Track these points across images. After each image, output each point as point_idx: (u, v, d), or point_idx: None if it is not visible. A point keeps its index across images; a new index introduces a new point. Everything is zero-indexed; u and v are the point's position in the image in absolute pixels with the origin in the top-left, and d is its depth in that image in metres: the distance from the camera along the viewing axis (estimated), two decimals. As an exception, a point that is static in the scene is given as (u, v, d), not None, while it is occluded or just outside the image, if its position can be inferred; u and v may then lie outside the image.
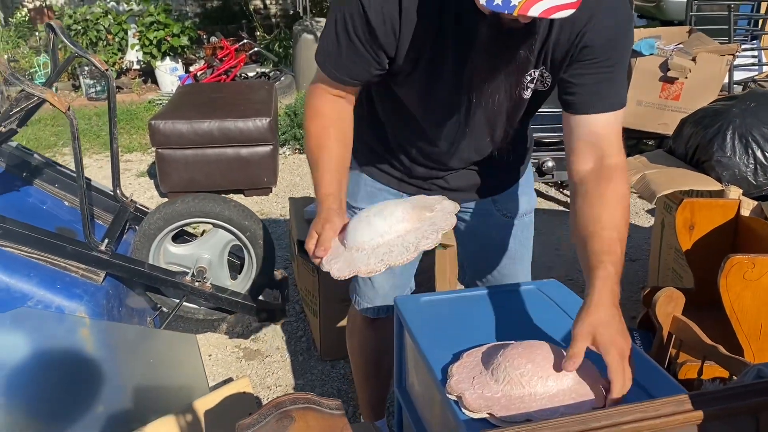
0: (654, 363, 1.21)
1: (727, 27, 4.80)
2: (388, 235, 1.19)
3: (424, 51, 1.26)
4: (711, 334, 1.46)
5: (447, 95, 1.33)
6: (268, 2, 8.88)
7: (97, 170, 4.61)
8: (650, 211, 3.83)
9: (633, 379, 1.09)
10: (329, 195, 1.32)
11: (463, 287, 1.85)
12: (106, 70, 2.05)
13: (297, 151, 5.12)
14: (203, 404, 1.85)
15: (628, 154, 2.95)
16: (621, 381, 1.02)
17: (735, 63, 4.30)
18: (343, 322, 2.43)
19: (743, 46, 4.76)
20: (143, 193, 4.32)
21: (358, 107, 1.46)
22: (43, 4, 8.27)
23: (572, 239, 1.25)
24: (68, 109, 1.67)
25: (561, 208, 4.04)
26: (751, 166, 2.43)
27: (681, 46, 4.16)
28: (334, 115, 1.37)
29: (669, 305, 1.60)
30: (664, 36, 4.27)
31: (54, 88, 1.81)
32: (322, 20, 6.67)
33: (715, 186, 2.42)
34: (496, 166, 1.52)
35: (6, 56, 7.00)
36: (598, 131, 1.25)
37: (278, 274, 2.51)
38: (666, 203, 2.50)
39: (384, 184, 1.59)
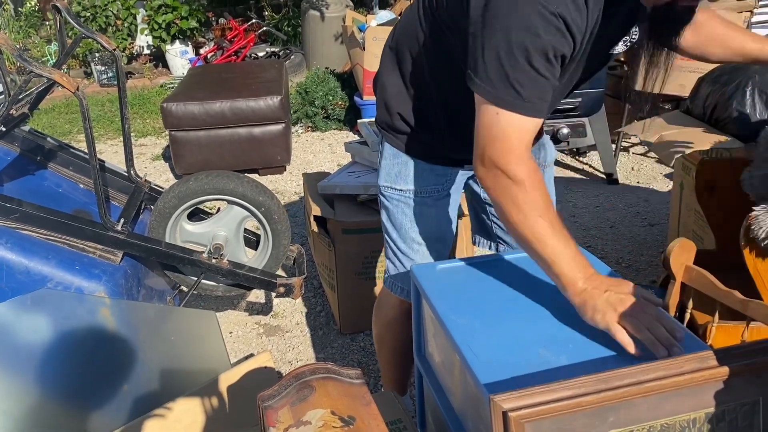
0: (674, 320, 1.19)
1: (744, -16, 4.67)
2: None
3: (581, 45, 1.18)
4: (734, 294, 1.43)
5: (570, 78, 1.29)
6: (275, -19, 8.80)
7: (112, 155, 4.63)
8: (668, 176, 3.77)
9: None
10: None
11: (476, 253, 1.84)
12: (114, 49, 2.04)
13: (309, 129, 5.10)
14: (226, 380, 1.86)
15: (644, 118, 2.91)
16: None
17: (753, 20, 4.19)
18: (361, 295, 2.44)
19: (761, 2, 4.63)
20: (159, 176, 4.34)
21: (421, 88, 1.45)
22: (52, -7, 8.27)
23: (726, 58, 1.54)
24: (77, 89, 1.66)
25: (577, 175, 3.99)
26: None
27: (697, 5, 4.05)
28: (533, 177, 1.16)
29: (682, 256, 1.57)
30: (679, -5, 4.16)
31: (64, 70, 1.80)
32: (330, -3, 6.58)
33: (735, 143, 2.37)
34: None
35: (18, 46, 7.03)
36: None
37: (294, 249, 2.51)
38: (684, 164, 2.46)
39: (432, 163, 1.54)
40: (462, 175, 1.60)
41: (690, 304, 1.61)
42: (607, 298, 1.08)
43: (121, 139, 4.91)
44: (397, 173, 1.56)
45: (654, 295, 1.12)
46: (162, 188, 2.41)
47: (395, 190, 1.58)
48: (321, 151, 4.68)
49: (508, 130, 1.14)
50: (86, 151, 2.18)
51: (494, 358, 1.11)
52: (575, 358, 1.09)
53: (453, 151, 1.52)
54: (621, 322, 1.05)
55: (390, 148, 1.56)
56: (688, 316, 1.62)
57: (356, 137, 4.75)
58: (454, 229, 1.66)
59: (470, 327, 1.21)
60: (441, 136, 1.50)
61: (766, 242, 1.70)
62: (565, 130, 3.57)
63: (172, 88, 6.12)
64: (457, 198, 1.63)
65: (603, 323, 1.07)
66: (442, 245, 1.63)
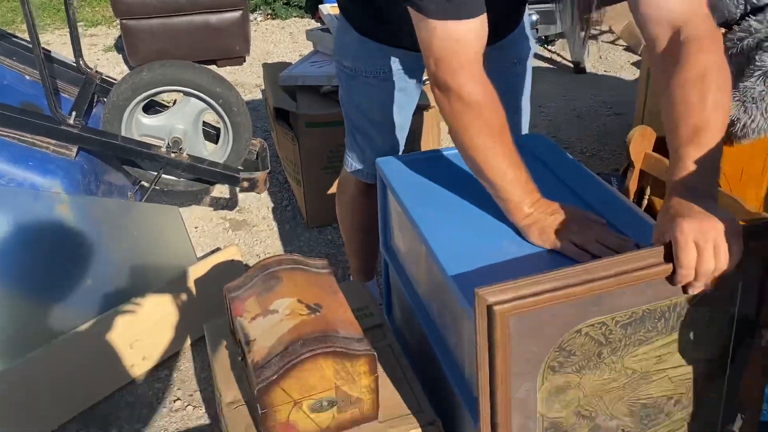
0: (621, 235, 1.11)
1: None
2: None
3: None
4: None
5: None
6: None
7: (61, 46, 4.38)
8: (635, 64, 3.74)
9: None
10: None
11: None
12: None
13: (269, 17, 4.88)
14: (193, 273, 1.86)
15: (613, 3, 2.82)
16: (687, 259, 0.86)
17: None
18: (328, 189, 2.42)
19: None
20: (113, 68, 4.15)
21: None
22: None
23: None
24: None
25: (545, 64, 3.93)
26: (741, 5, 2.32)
27: None
28: (488, 98, 1.10)
29: (642, 143, 1.59)
30: None
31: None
32: None
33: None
34: (502, 12, 1.33)
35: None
36: (669, 5, 1.04)
37: (257, 143, 2.45)
38: (653, 52, 2.42)
39: (376, 41, 1.46)
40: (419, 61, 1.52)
41: (648, 190, 1.64)
42: (554, 220, 1.09)
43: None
44: (346, 48, 1.50)
45: (598, 216, 1.11)
46: (114, 80, 2.29)
47: (342, 65, 1.53)
48: (281, 41, 4.50)
49: (450, 44, 1.08)
50: (30, 40, 2.05)
51: (459, 249, 1.12)
52: (537, 249, 1.11)
53: (389, 32, 1.43)
54: (570, 239, 1.06)
55: (342, 19, 1.50)
56: (645, 202, 1.65)
57: (318, 25, 4.56)
58: (408, 117, 1.60)
59: (436, 218, 1.21)
60: (374, 15, 1.42)
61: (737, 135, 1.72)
62: (535, 17, 3.46)
63: (121, -28, 5.73)
64: (414, 84, 1.54)
65: (550, 242, 1.08)
66: (386, 129, 1.58)
